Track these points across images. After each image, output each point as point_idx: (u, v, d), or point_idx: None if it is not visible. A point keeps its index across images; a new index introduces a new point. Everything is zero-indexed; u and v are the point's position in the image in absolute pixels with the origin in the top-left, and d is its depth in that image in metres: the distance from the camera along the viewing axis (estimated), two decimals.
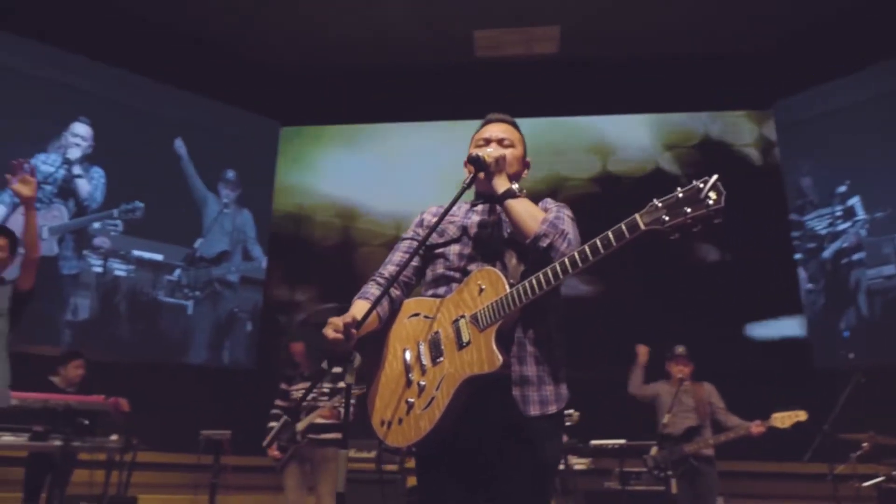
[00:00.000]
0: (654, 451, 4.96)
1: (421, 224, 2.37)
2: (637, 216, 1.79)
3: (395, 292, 2.24)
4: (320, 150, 8.84)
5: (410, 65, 8.66)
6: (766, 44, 8.02)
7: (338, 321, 1.97)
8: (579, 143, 8.56)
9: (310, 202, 8.54)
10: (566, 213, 2.17)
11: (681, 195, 1.75)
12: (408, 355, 2.11)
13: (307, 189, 8.59)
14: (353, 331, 1.97)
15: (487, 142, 2.32)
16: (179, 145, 7.99)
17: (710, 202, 1.70)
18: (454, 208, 2.33)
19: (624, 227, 1.80)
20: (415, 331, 2.14)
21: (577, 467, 5.43)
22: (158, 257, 7.60)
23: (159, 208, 7.65)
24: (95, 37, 7.42)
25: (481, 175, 2.18)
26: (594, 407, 5.16)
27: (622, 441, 5.23)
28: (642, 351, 5.42)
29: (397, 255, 2.31)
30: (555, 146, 8.53)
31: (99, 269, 7.26)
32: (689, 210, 1.72)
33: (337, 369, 4.73)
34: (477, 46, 8.57)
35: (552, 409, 2.03)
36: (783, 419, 4.74)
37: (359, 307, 2.14)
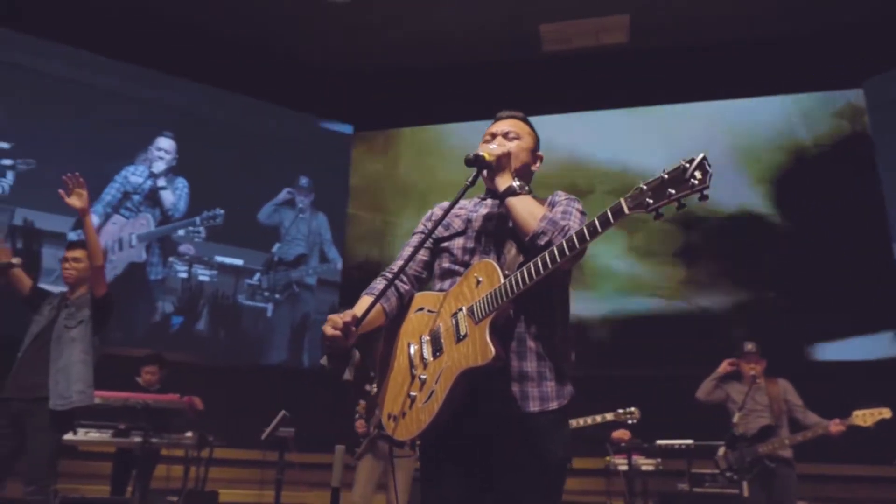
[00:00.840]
0: (721, 451, 4.73)
1: (430, 218, 2.36)
2: (622, 200, 1.76)
3: (403, 287, 2.24)
4: (392, 151, 8.96)
5: (478, 63, 8.65)
6: (849, 21, 7.52)
7: (337, 318, 1.99)
8: (653, 134, 8.28)
9: (384, 203, 8.67)
10: (575, 206, 2.14)
11: (666, 176, 1.70)
12: (412, 349, 2.12)
13: (381, 190, 8.72)
14: (353, 328, 1.99)
15: (493, 137, 2.31)
16: (304, 181, 8.35)
17: (695, 182, 1.65)
18: (464, 201, 2.33)
19: (609, 213, 1.77)
20: (419, 325, 2.14)
21: (644, 468, 5.27)
22: (239, 262, 7.93)
23: (239, 215, 7.97)
24: (174, 54, 7.82)
25: (485, 173, 2.18)
26: (660, 405, 5.00)
27: (689, 441, 5.03)
28: (725, 364, 5.10)
29: (406, 250, 2.31)
30: (628, 137, 8.31)
31: (184, 275, 7.64)
32: (672, 191, 1.68)
33: None
34: (544, 40, 8.47)
35: (553, 405, 1.99)
36: (865, 417, 4.43)
37: (362, 303, 2.15)
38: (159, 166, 7.77)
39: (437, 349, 2.03)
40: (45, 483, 3.78)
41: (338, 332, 1.96)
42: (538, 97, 8.45)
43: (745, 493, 4.46)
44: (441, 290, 2.17)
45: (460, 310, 2.02)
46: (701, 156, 1.66)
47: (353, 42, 8.44)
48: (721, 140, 7.94)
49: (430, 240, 2.27)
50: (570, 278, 2.21)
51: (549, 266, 1.85)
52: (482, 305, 1.95)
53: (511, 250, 2.09)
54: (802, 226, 7.31)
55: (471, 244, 2.18)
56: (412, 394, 2.04)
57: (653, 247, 7.78)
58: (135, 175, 7.67)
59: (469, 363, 1.92)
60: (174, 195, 7.78)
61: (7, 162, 7.08)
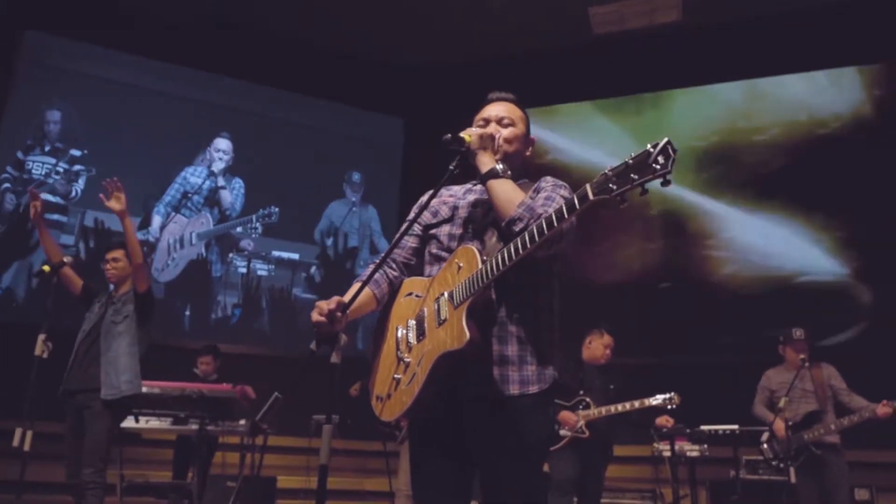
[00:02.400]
0: (765, 437, 4.57)
1: (420, 205, 2.39)
2: (587, 186, 1.77)
3: (392, 273, 2.29)
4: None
5: (528, 51, 8.59)
6: None
7: (323, 305, 2.06)
8: (713, 112, 8.03)
9: None
10: (561, 192, 2.14)
11: (630, 161, 1.71)
12: (399, 333, 2.17)
13: (433, 183, 8.75)
14: (339, 314, 2.05)
15: (487, 122, 2.31)
16: (356, 177, 8.59)
17: (658, 167, 1.66)
18: (455, 188, 2.37)
19: (576, 198, 1.79)
20: (407, 309, 2.19)
21: (689, 454, 5.17)
22: (294, 256, 8.16)
23: (293, 210, 8.21)
24: (227, 55, 8.07)
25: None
26: (705, 391, 4.89)
27: (735, 427, 4.90)
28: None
29: (396, 238, 2.35)
30: (687, 118, 8.10)
31: (243, 270, 7.93)
32: (635, 177, 1.69)
33: None
34: (594, 23, 8.33)
35: (533, 389, 2.02)
36: None
37: (352, 290, 2.21)
38: (218, 166, 8.08)
39: (421, 333, 2.08)
40: (101, 466, 4.05)
41: (322, 319, 2.03)
42: (592, 82, 8.35)
43: (793, 479, 4.32)
44: (429, 275, 2.21)
45: (442, 295, 2.06)
46: (665, 140, 1.67)
47: (403, 35, 8.52)
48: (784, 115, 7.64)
49: (420, 227, 2.30)
50: (557, 264, 2.20)
51: (521, 251, 1.87)
52: (461, 290, 1.98)
53: (492, 237, 2.11)
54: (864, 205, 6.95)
55: (456, 231, 2.21)
56: (397, 376, 2.10)
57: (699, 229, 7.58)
58: (193, 176, 7.99)
59: (446, 347, 1.95)
60: (231, 195, 8.07)
61: (78, 167, 7.51)
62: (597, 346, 4.92)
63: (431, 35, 8.49)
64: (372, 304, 2.24)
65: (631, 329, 6.22)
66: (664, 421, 4.80)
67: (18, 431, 3.80)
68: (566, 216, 1.79)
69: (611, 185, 1.71)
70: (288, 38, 8.44)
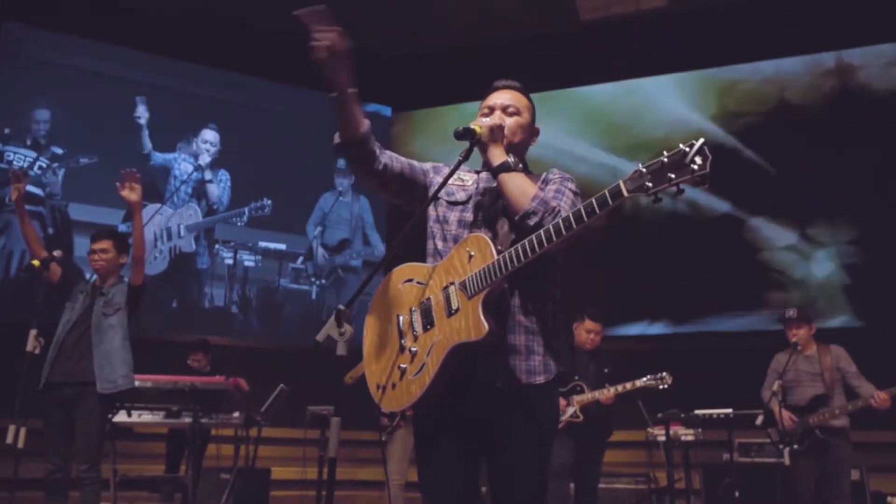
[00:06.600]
0: (759, 420, 4.58)
1: (438, 171, 2.32)
2: (621, 182, 1.77)
3: (384, 154, 2.27)
4: (433, 131, 8.94)
5: (516, 38, 8.55)
6: None
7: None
8: (700, 97, 8.05)
9: None
10: (568, 186, 2.13)
11: (665, 160, 1.71)
12: (401, 321, 2.13)
13: None
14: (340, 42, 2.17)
15: (491, 110, 2.28)
16: (342, 163, 8.53)
17: (696, 167, 1.66)
18: (468, 175, 2.30)
19: (608, 195, 1.78)
20: (408, 297, 2.15)
21: (684, 438, 5.21)
22: (282, 247, 8.11)
23: (281, 200, 8.14)
24: (213, 45, 7.96)
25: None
26: (699, 375, 4.91)
27: (729, 410, 4.93)
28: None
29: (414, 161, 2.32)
30: (675, 104, 8.10)
31: (230, 261, 7.87)
32: (672, 176, 1.69)
33: None
34: (581, 9, 8.31)
35: (539, 379, 2.03)
36: None
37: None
38: (205, 158, 8.00)
39: (428, 322, 2.05)
40: (96, 461, 3.97)
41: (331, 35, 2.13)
42: (579, 68, 8.33)
43: (787, 461, 4.35)
44: (430, 252, 2.20)
45: (452, 283, 2.03)
46: (701, 141, 1.68)
47: (391, 23, 8.44)
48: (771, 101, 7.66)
49: (432, 188, 2.26)
50: (562, 254, 2.19)
51: (546, 245, 1.86)
52: (475, 281, 1.95)
53: (504, 226, 2.10)
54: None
55: (467, 217, 2.18)
56: (402, 366, 2.07)
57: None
58: (178, 167, 7.90)
59: (461, 338, 1.94)
60: (218, 188, 8.01)
61: (58, 150, 7.39)
62: (580, 333, 4.97)
63: (417, 23, 8.43)
64: (358, 128, 2.37)
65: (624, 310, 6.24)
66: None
67: (12, 428, 3.72)
68: (597, 212, 1.78)
69: (647, 184, 1.71)
70: (272, 28, 8.32)
